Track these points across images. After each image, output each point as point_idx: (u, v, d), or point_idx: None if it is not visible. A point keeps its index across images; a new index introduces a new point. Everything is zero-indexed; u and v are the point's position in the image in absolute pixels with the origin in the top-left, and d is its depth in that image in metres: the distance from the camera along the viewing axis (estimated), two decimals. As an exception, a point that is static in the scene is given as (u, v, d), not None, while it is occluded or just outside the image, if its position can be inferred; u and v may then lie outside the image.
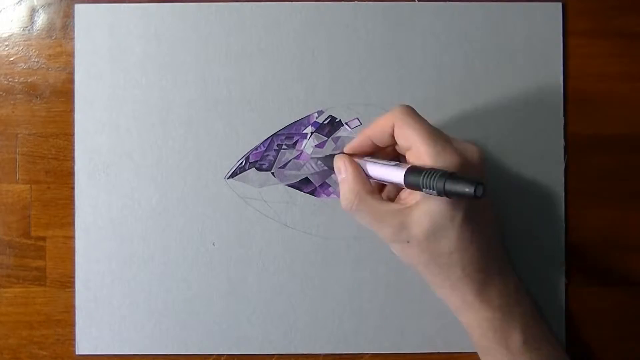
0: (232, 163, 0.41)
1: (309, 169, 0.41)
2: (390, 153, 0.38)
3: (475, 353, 0.41)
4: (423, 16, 0.41)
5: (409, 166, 0.33)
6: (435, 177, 0.30)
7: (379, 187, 0.37)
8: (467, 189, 0.29)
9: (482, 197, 0.29)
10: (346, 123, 0.41)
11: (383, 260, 0.41)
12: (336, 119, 0.41)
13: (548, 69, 0.41)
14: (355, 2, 0.41)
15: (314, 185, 0.41)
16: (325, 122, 0.41)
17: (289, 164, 0.41)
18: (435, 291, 0.36)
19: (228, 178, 0.41)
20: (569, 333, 0.41)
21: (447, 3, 0.41)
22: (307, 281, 0.41)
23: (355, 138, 0.37)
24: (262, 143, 0.41)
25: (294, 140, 0.41)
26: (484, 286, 0.34)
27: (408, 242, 0.34)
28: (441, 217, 0.33)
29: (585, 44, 0.42)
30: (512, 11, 0.41)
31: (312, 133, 0.41)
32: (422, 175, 0.31)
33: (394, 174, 0.34)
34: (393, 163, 0.35)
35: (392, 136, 0.35)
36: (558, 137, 0.41)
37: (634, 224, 0.41)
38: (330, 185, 0.41)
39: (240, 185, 0.41)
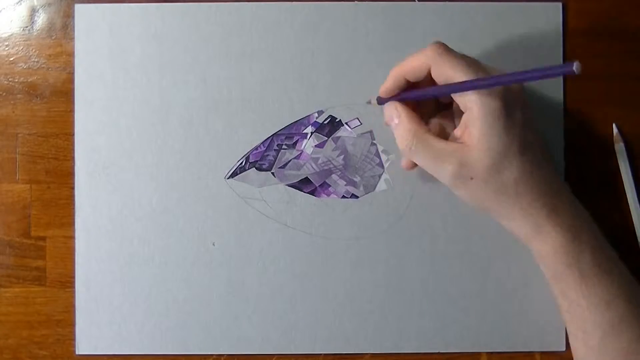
0: (232, 163, 0.41)
1: (309, 169, 0.41)
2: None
3: (476, 353, 0.41)
4: (423, 16, 0.41)
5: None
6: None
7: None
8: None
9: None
10: (346, 123, 0.41)
11: (383, 260, 0.41)
12: (336, 119, 0.41)
13: (548, 69, 0.41)
14: (355, 2, 0.41)
15: (314, 185, 0.41)
16: (325, 122, 0.41)
17: (289, 164, 0.41)
18: (504, 224, 0.37)
19: (228, 178, 0.41)
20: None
21: (447, 3, 0.41)
22: (307, 281, 0.41)
23: (387, 79, 0.37)
24: (262, 143, 0.41)
25: (294, 140, 0.41)
26: (554, 208, 0.35)
27: (471, 178, 0.34)
28: (501, 149, 0.34)
29: (585, 44, 0.42)
30: (512, 11, 0.41)
31: (312, 133, 0.41)
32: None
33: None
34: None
35: (428, 75, 0.35)
36: (558, 137, 0.41)
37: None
38: (330, 185, 0.41)
39: (240, 185, 0.41)
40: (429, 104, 0.39)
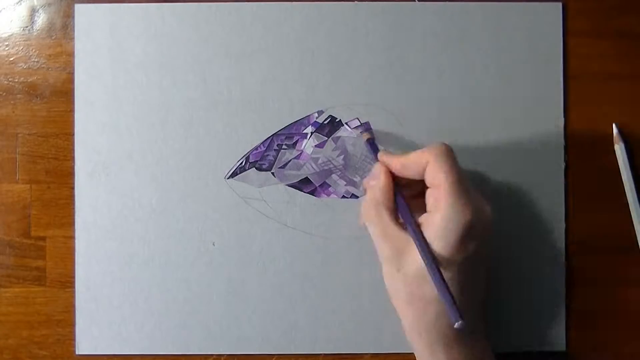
0: (232, 163, 0.41)
1: (309, 169, 0.41)
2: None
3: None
4: (423, 16, 0.41)
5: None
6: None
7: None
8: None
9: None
10: (346, 123, 0.41)
11: (383, 260, 0.41)
12: (336, 119, 0.41)
13: (548, 69, 0.41)
14: (355, 2, 0.41)
15: (314, 185, 0.41)
16: (325, 122, 0.41)
17: (289, 164, 0.41)
18: (402, 326, 0.36)
19: (228, 178, 0.41)
20: (568, 333, 0.41)
21: (447, 3, 0.41)
22: (307, 281, 0.41)
23: (392, 158, 0.37)
24: (262, 143, 0.41)
25: (294, 140, 0.41)
26: (451, 343, 0.34)
27: (398, 270, 0.35)
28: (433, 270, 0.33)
29: (585, 44, 0.42)
30: (512, 11, 0.41)
31: (312, 133, 0.41)
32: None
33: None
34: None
35: (424, 170, 0.35)
36: (558, 137, 0.41)
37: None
38: (330, 185, 0.41)
39: (240, 185, 0.41)
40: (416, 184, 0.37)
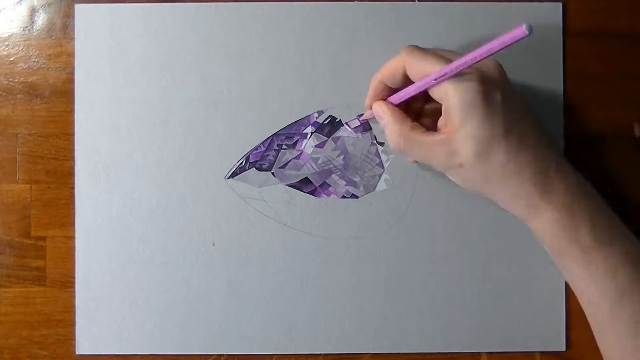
0: (232, 163, 0.41)
1: (309, 169, 0.41)
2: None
3: (476, 353, 0.41)
4: (423, 16, 0.41)
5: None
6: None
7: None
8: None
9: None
10: (346, 123, 0.41)
11: (383, 260, 0.41)
12: (336, 119, 0.41)
13: (548, 69, 0.41)
14: (355, 2, 0.41)
15: (314, 185, 0.41)
16: (325, 122, 0.41)
17: (289, 164, 0.41)
18: (500, 205, 0.37)
19: (228, 178, 0.41)
20: (568, 333, 0.41)
21: (447, 3, 0.41)
22: (307, 281, 0.41)
23: (369, 90, 0.39)
24: (262, 143, 0.41)
25: (294, 140, 0.41)
26: (547, 187, 0.35)
27: (461, 165, 0.35)
28: (483, 135, 0.34)
29: (585, 44, 0.42)
30: (512, 11, 0.41)
31: (312, 133, 0.41)
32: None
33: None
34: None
35: (405, 77, 0.36)
36: (558, 136, 0.41)
37: (633, 225, 0.41)
38: (330, 185, 0.41)
39: (240, 185, 0.41)
40: (419, 99, 0.39)
